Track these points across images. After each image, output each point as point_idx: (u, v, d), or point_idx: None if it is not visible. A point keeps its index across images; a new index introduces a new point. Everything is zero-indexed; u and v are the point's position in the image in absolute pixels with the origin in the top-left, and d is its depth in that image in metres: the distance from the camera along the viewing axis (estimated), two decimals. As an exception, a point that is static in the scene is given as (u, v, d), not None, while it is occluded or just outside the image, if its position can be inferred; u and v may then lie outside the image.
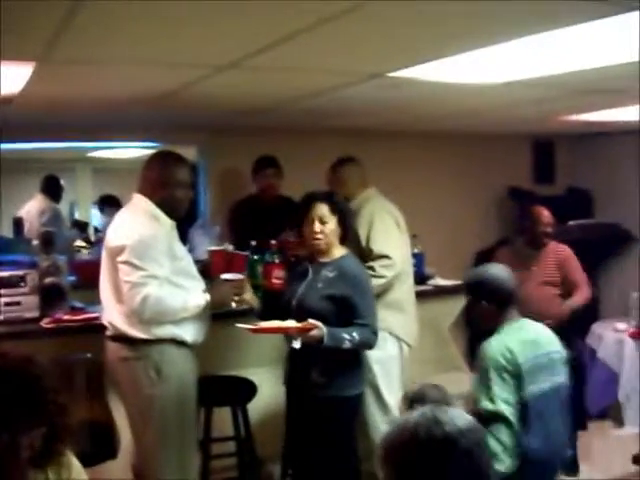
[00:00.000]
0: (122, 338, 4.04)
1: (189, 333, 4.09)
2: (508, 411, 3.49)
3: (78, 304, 5.06)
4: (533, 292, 5.80)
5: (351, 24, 2.97)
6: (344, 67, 4.00)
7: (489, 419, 3.47)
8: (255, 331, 4.00)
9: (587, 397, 6.25)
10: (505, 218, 8.35)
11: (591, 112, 6.16)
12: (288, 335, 4.06)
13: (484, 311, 3.80)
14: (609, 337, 6.69)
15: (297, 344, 3.94)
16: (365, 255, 4.79)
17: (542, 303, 5.79)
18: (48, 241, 5.17)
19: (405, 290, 5.11)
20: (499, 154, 8.32)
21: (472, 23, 3.05)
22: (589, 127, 7.47)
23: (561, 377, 3.75)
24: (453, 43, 3.43)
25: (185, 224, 5.37)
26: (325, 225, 4.11)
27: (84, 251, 6.63)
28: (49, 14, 2.68)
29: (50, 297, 4.92)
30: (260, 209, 6.20)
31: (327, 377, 4.05)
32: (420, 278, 5.79)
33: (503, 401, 3.50)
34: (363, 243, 4.91)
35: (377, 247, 4.89)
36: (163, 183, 4.11)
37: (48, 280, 4.95)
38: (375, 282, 4.56)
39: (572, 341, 5.86)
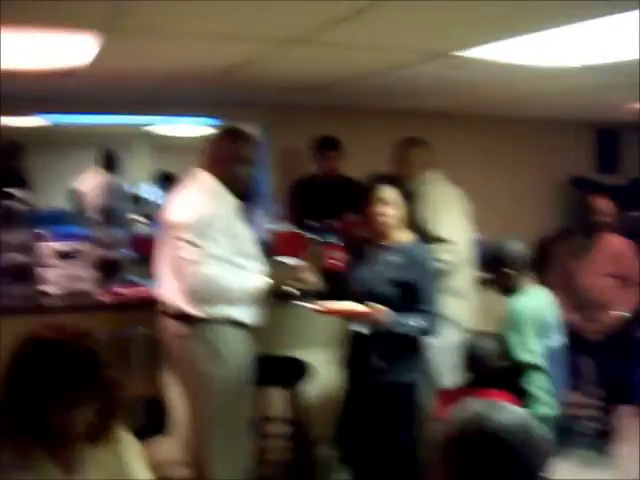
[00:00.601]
0: (178, 315, 4.00)
1: (245, 314, 4.05)
2: (541, 361, 4.00)
3: (135, 278, 5.06)
4: (593, 283, 5.79)
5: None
6: (409, 45, 3.91)
7: (526, 369, 3.99)
8: (324, 312, 3.96)
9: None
10: (567, 207, 8.17)
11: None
12: (356, 319, 4.00)
13: (507, 277, 4.28)
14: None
15: (365, 329, 3.90)
16: (428, 239, 4.70)
17: (602, 294, 5.77)
18: (107, 215, 5.20)
19: (467, 277, 5.06)
20: (562, 141, 8.18)
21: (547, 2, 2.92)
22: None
23: (562, 337, 4.32)
24: (526, 21, 3.31)
25: (247, 202, 5.33)
26: (389, 207, 4.03)
27: (142, 226, 6.63)
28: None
29: (108, 271, 4.97)
30: (321, 189, 6.12)
31: (387, 362, 3.99)
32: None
33: (537, 353, 4.01)
34: (427, 226, 4.84)
35: (441, 231, 4.84)
36: (227, 160, 4.05)
37: (106, 254, 4.96)
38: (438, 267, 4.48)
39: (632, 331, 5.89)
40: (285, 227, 4.83)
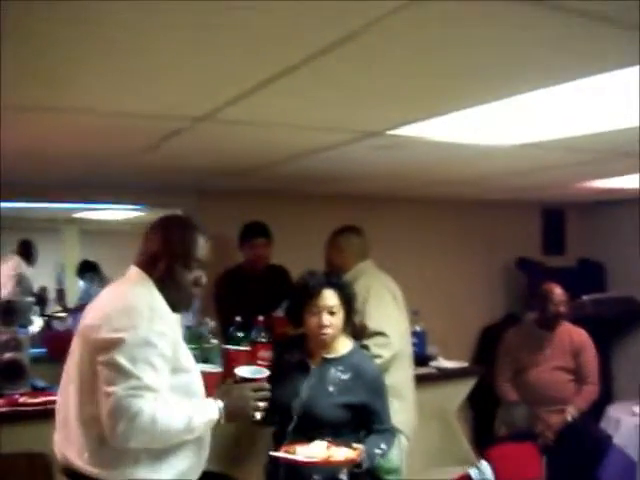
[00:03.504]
0: (74, 475, 2.83)
1: (179, 469, 2.85)
2: None
3: (41, 383, 4.60)
4: (545, 377, 5.67)
5: (345, 66, 2.56)
6: (336, 123, 3.58)
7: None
8: (299, 463, 3.29)
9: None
10: (513, 291, 7.97)
11: (612, 177, 5.74)
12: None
13: None
14: (627, 422, 6.24)
15: (344, 476, 3.38)
16: (358, 333, 4.36)
17: (554, 389, 5.64)
18: (9, 312, 4.77)
19: (403, 374, 4.67)
20: (506, 223, 7.95)
21: (488, 73, 2.71)
22: (602, 195, 7.15)
23: None
24: (460, 96, 3.06)
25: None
26: (334, 316, 3.61)
27: (60, 322, 6.27)
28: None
29: (8, 375, 4.51)
30: (248, 281, 5.65)
31: None
32: (421, 359, 5.41)
33: None
34: (357, 320, 4.44)
35: (372, 324, 4.48)
36: (167, 258, 2.93)
37: (6, 356, 4.56)
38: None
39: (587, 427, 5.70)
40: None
